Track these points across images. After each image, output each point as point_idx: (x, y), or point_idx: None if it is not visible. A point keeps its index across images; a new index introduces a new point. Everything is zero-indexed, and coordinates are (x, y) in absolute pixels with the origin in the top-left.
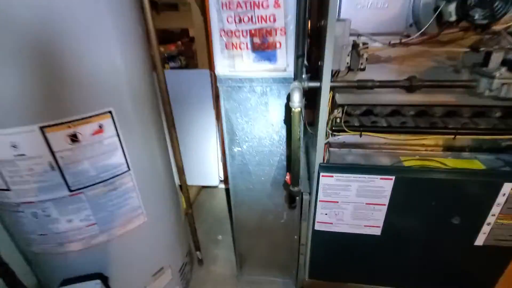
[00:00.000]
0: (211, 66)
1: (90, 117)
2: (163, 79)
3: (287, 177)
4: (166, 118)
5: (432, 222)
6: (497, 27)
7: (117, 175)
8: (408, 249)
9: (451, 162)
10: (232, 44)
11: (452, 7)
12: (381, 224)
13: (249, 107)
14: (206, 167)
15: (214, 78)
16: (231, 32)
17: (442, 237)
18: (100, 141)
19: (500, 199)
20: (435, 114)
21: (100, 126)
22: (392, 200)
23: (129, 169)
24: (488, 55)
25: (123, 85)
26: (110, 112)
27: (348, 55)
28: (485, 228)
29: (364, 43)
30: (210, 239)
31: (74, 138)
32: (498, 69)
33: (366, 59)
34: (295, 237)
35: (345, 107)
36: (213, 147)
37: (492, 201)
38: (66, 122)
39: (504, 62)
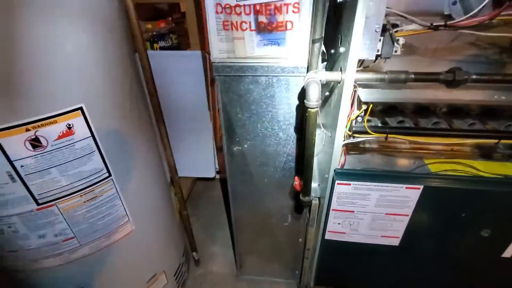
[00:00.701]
0: (203, 46)
1: (55, 116)
2: (148, 65)
3: (296, 182)
4: (153, 111)
5: (457, 234)
6: None
7: (96, 183)
8: (427, 261)
9: (483, 165)
10: (232, 23)
11: None
12: (400, 235)
13: (252, 101)
14: (200, 158)
15: (207, 61)
16: (231, 7)
17: (466, 249)
18: (70, 145)
19: None
20: (471, 112)
21: (69, 127)
22: (417, 210)
23: (110, 174)
24: None
25: (95, 74)
26: (80, 108)
27: (380, 40)
28: None
29: (394, 25)
30: (208, 234)
31: (36, 143)
32: None
33: (400, 46)
34: (300, 240)
35: (370, 105)
36: (208, 137)
37: None
38: (23, 124)
39: None
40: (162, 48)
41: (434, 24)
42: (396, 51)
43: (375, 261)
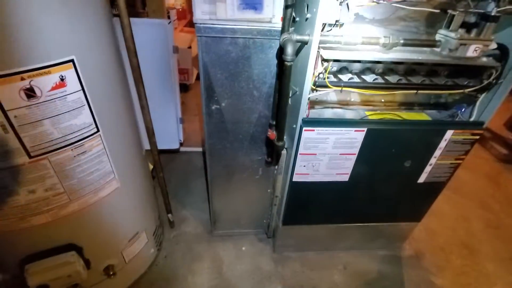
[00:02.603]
0: (163, 14)
1: (49, 66)
2: (128, 23)
3: (269, 133)
4: (132, 71)
5: (390, 166)
6: None
7: (86, 137)
8: (368, 190)
9: (405, 115)
10: None
11: None
12: (349, 171)
13: (230, 61)
14: (164, 130)
15: (170, 32)
16: None
17: (395, 178)
18: (63, 97)
19: (442, 144)
20: (399, 72)
21: (62, 79)
22: (361, 149)
23: (98, 130)
24: (452, 18)
25: (84, 28)
26: (72, 61)
27: (338, 9)
28: (427, 168)
29: None
30: (177, 201)
31: (30, 93)
32: (457, 31)
33: (353, 14)
34: (268, 190)
35: (330, 63)
36: (172, 108)
37: (436, 145)
38: (18, 73)
39: (463, 24)
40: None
41: None
42: (350, 18)
43: (331, 197)
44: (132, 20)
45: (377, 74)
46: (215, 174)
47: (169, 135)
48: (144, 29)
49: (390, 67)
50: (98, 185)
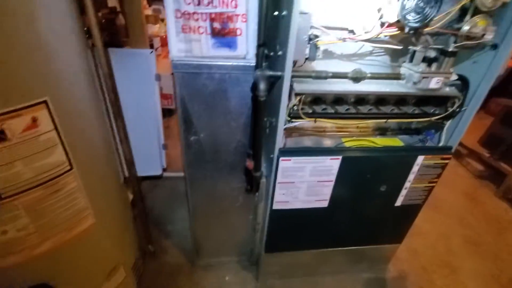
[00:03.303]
0: (145, 44)
1: (20, 109)
2: (105, 59)
3: (248, 163)
4: (111, 106)
5: (366, 191)
6: (423, 30)
7: (59, 175)
8: (348, 215)
9: (379, 140)
10: (190, 27)
11: (391, 10)
12: (328, 197)
13: (207, 94)
14: (146, 156)
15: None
16: (189, 14)
17: (373, 202)
18: (35, 138)
19: (415, 168)
20: (370, 102)
21: (34, 120)
22: (338, 176)
23: (72, 167)
24: (413, 53)
25: (58, 66)
26: (45, 102)
27: (307, 47)
28: (403, 192)
29: (316, 35)
30: (159, 229)
31: (1, 135)
32: (419, 65)
33: (321, 52)
34: (250, 217)
35: (303, 95)
36: (154, 135)
37: (409, 170)
38: None
39: (424, 59)
40: (93, 46)
41: (342, 37)
42: (318, 55)
43: (312, 223)
44: (115, 50)
45: (349, 104)
46: (196, 203)
47: (151, 161)
48: (126, 59)
49: (362, 97)
50: (72, 222)
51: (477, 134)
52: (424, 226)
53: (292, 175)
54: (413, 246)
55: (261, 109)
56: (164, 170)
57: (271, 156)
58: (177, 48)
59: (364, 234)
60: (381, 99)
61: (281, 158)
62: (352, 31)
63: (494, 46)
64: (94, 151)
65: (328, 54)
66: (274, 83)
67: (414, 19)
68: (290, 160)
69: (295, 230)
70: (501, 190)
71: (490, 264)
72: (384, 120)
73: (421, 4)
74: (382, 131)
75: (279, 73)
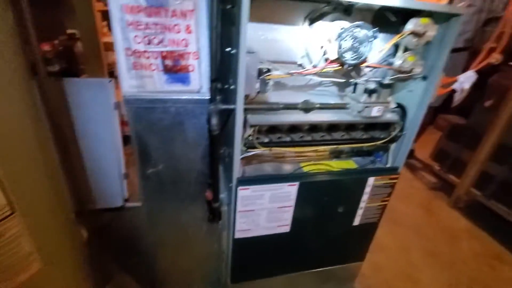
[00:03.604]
0: (103, 72)
1: None
2: (57, 90)
3: (207, 193)
4: (62, 139)
5: (325, 213)
6: (362, 65)
7: None
8: (310, 237)
9: (335, 163)
10: (141, 64)
11: (331, 48)
12: (289, 222)
13: (163, 128)
14: (106, 187)
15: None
16: (140, 52)
17: (332, 223)
18: None
19: (367, 189)
20: (323, 129)
21: None
22: (297, 201)
23: (13, 211)
24: (355, 85)
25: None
26: None
27: (257, 82)
28: (359, 212)
29: (268, 70)
30: (120, 265)
31: None
32: (361, 95)
33: (271, 85)
34: (215, 246)
35: (257, 126)
36: (114, 165)
37: (362, 191)
38: None
39: (365, 91)
40: (51, 74)
41: (290, 71)
42: (268, 89)
43: (276, 249)
44: (71, 80)
45: (303, 132)
46: (156, 235)
47: (111, 192)
48: (83, 89)
49: (315, 125)
50: (16, 270)
51: (428, 149)
52: (385, 241)
53: (252, 203)
54: (377, 261)
55: (215, 142)
56: (126, 200)
57: (230, 185)
58: (129, 85)
59: (328, 255)
60: (332, 126)
61: (239, 188)
62: (301, 65)
63: (424, 78)
64: (40, 191)
65: (282, 86)
66: (230, 115)
67: (351, 57)
68: (248, 188)
69: (260, 257)
70: (452, 200)
71: (447, 273)
72: (335, 146)
73: (356, 44)
74: (337, 154)
75: (232, 106)
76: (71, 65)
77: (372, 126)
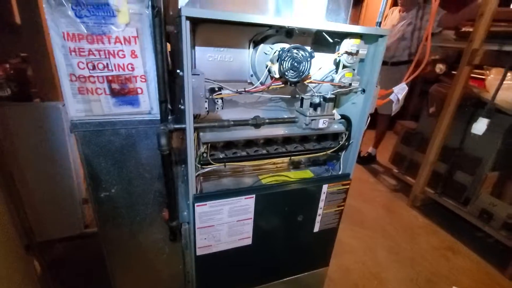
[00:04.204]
0: (57, 96)
1: None
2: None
3: (164, 213)
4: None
5: (286, 222)
6: (305, 82)
7: None
8: (273, 247)
9: (293, 174)
10: (87, 89)
11: (275, 68)
12: (250, 234)
13: (114, 150)
14: (63, 215)
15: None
16: (85, 77)
17: (294, 232)
18: None
19: (322, 196)
20: (278, 141)
21: None
22: (256, 213)
23: None
24: (302, 100)
25: None
26: None
27: (206, 101)
28: (318, 218)
29: (218, 89)
30: None
31: None
32: (308, 109)
33: (220, 103)
34: (180, 266)
35: (209, 143)
36: (71, 190)
37: (318, 198)
38: None
39: (311, 105)
40: None
41: (238, 90)
42: (218, 108)
43: (240, 262)
44: (21, 105)
45: (258, 146)
46: (115, 262)
47: (69, 220)
48: (36, 113)
49: (270, 138)
50: None
51: (389, 153)
52: (352, 243)
53: (210, 219)
54: (345, 264)
55: (166, 161)
56: (87, 226)
57: (188, 202)
58: (75, 109)
59: (293, 263)
60: (287, 139)
61: (196, 204)
62: (251, 83)
63: (363, 91)
64: None
65: (235, 104)
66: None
67: (292, 76)
68: (206, 204)
69: (224, 272)
70: (410, 200)
71: (408, 269)
72: (289, 157)
73: (295, 64)
74: (296, 165)
75: (183, 126)
76: (23, 89)
77: (323, 136)
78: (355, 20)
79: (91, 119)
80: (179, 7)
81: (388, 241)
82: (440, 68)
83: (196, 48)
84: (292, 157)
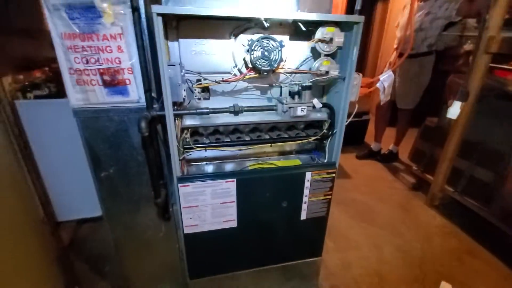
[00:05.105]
0: None
1: None
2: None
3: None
4: (23, 159)
5: (270, 207)
6: (281, 71)
7: None
8: (258, 232)
9: (281, 162)
10: (83, 80)
11: (248, 58)
12: (235, 217)
13: (110, 134)
14: (84, 197)
15: None
16: (80, 70)
17: (279, 217)
18: None
19: (307, 184)
20: (263, 129)
21: None
22: (238, 197)
23: None
24: (280, 88)
25: None
26: None
27: (184, 90)
28: (304, 206)
29: (198, 80)
30: (96, 272)
31: None
32: (285, 97)
33: (198, 92)
34: (177, 246)
35: (189, 129)
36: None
37: (302, 186)
38: None
39: (290, 93)
40: (37, 97)
41: (217, 80)
42: (196, 96)
43: (226, 244)
44: (57, 101)
45: (243, 133)
46: (118, 238)
47: (89, 202)
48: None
49: (256, 126)
50: None
51: (408, 149)
52: (358, 240)
53: (195, 199)
54: (348, 259)
55: (146, 143)
56: None
57: (173, 184)
58: (75, 98)
59: (283, 249)
60: (272, 127)
61: (179, 185)
62: (235, 75)
63: (344, 79)
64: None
65: (213, 93)
66: None
67: (264, 64)
68: (188, 185)
69: (213, 252)
70: (428, 199)
71: (415, 269)
72: (269, 144)
73: (266, 53)
74: (286, 154)
75: (163, 113)
76: (60, 88)
77: (310, 125)
78: (383, 14)
79: (88, 107)
80: (152, 6)
81: (397, 239)
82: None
83: (180, 41)
84: (281, 146)
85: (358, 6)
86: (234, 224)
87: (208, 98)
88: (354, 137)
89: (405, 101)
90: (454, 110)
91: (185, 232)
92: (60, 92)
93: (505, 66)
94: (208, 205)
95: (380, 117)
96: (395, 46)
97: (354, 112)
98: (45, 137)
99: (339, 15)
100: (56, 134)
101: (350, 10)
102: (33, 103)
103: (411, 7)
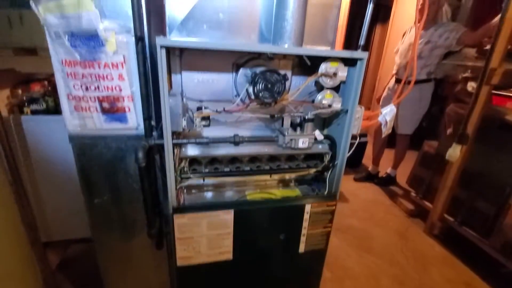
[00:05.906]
0: None
1: None
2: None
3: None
4: (12, 177)
5: (267, 240)
6: (284, 102)
7: None
8: (254, 265)
9: (280, 192)
10: (81, 107)
11: (251, 89)
12: (231, 249)
13: (106, 162)
14: (75, 217)
15: None
16: (79, 97)
17: (277, 250)
18: None
19: (306, 216)
20: (262, 159)
21: None
22: (235, 228)
23: None
24: (283, 120)
25: None
26: None
27: (184, 119)
28: (303, 238)
29: (199, 108)
30: None
31: None
32: (287, 129)
33: (199, 121)
34: (168, 277)
35: (188, 158)
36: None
37: (302, 218)
38: None
39: (292, 124)
40: (34, 112)
41: (218, 110)
42: (196, 126)
43: (221, 277)
44: (50, 117)
45: (242, 163)
46: (107, 267)
47: (81, 222)
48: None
49: (255, 156)
50: None
51: (406, 175)
52: (355, 269)
53: (189, 231)
54: None
55: (142, 173)
56: None
57: (168, 213)
58: (72, 124)
59: (279, 283)
60: (273, 157)
61: (174, 215)
62: (231, 101)
63: (346, 111)
64: None
65: (216, 122)
66: None
67: (267, 97)
68: (184, 216)
69: (206, 286)
70: (427, 227)
71: None
72: (269, 175)
73: (269, 86)
74: (285, 184)
75: (162, 141)
76: (58, 103)
77: (311, 156)
78: (383, 35)
79: (86, 133)
80: (156, 37)
81: (395, 269)
82: (472, 86)
83: (183, 70)
84: (281, 175)
85: (362, 42)
86: (229, 256)
87: (208, 125)
88: (352, 159)
89: (404, 127)
90: (454, 153)
91: (178, 264)
92: (58, 107)
93: (504, 93)
94: (204, 236)
95: (378, 141)
96: (393, 72)
97: (355, 144)
98: (38, 154)
99: (343, 51)
100: (51, 151)
101: (348, 36)
102: (27, 119)
103: (415, 40)
